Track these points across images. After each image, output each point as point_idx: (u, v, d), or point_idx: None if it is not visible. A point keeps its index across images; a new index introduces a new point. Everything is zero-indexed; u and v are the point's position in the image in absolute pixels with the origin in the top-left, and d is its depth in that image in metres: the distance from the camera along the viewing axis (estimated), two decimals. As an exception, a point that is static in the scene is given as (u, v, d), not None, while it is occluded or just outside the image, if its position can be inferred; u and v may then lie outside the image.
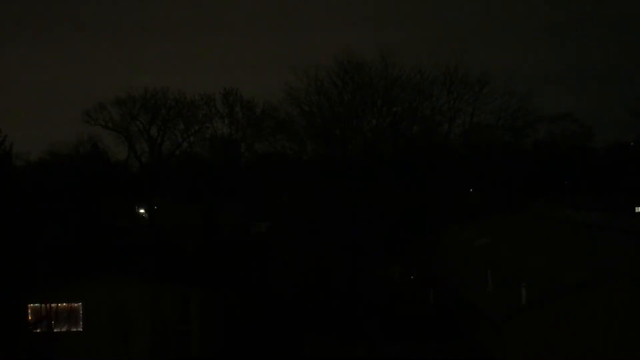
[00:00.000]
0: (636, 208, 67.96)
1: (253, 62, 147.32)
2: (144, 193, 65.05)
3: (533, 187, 67.30)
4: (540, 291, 24.66)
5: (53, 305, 31.95)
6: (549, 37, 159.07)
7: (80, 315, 32.41)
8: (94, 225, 49.07)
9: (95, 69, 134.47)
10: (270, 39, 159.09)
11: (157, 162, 69.61)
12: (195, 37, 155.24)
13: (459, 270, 34.56)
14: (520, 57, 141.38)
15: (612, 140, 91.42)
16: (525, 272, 27.51)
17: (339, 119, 53.71)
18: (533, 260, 30.12)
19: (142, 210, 71.41)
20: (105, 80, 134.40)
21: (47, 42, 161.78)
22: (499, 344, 24.67)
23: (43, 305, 32.05)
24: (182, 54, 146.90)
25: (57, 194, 50.23)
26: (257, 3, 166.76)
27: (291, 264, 38.50)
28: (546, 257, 30.05)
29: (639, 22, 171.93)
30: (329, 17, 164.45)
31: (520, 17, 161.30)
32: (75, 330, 32.31)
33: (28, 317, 32.33)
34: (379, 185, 44.95)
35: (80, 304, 32.40)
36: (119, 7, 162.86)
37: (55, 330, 31.91)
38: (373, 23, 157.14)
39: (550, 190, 71.26)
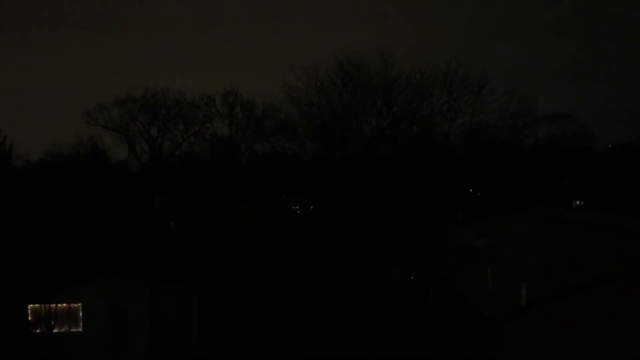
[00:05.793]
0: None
1: (253, 62, 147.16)
2: (144, 193, 65.05)
3: (533, 187, 67.31)
4: (540, 291, 24.64)
5: (53, 305, 31.93)
6: (549, 37, 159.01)
7: (80, 316, 32.41)
8: (94, 226, 49.03)
9: (95, 69, 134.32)
10: (270, 39, 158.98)
11: (157, 163, 69.67)
12: (195, 37, 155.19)
13: (459, 270, 34.55)
14: (520, 57, 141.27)
15: (612, 140, 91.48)
16: (525, 272, 27.50)
17: (338, 120, 53.72)
18: (533, 260, 30.12)
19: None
20: (105, 80, 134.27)
21: (47, 42, 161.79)
22: (499, 344, 24.65)
23: (43, 305, 32.04)
24: (182, 54, 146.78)
25: (57, 194, 50.20)
26: (257, 3, 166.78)
27: (291, 264, 38.45)
28: (546, 257, 30.05)
29: (639, 21, 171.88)
30: (329, 17, 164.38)
31: (521, 17, 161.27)
32: (75, 330, 32.31)
33: (28, 317, 32.33)
34: (379, 185, 44.91)
35: (80, 304, 32.40)
36: (119, 7, 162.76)
37: (55, 331, 31.91)
38: (373, 23, 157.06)
39: (550, 191, 71.24)
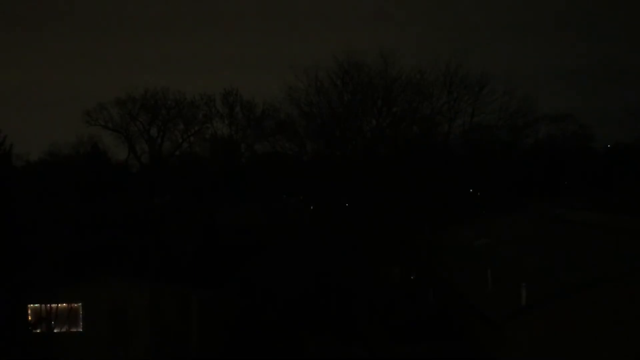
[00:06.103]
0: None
1: (253, 62, 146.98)
2: (144, 193, 65.09)
3: (533, 187, 67.34)
4: (540, 291, 24.64)
5: (53, 305, 31.93)
6: (550, 37, 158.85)
7: (80, 316, 32.41)
8: (94, 225, 49.06)
9: (95, 69, 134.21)
10: (270, 39, 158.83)
11: (157, 163, 69.74)
12: (195, 37, 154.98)
13: (459, 270, 34.55)
14: (520, 57, 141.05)
15: (612, 140, 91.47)
16: (525, 272, 27.50)
17: (338, 120, 53.74)
18: (533, 260, 30.11)
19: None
20: (105, 80, 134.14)
21: (47, 42, 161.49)
22: (499, 344, 24.65)
23: (43, 305, 32.03)
24: (182, 54, 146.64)
25: (57, 194, 50.24)
26: (257, 3, 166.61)
27: (291, 264, 38.46)
28: (546, 257, 30.05)
29: (639, 21, 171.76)
30: (329, 17, 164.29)
31: (521, 17, 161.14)
32: (75, 330, 32.31)
33: (28, 317, 32.33)
34: (379, 185, 44.93)
35: (80, 304, 32.40)
36: (119, 7, 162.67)
37: (55, 331, 31.90)
38: (373, 23, 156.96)
39: (550, 191, 71.25)
